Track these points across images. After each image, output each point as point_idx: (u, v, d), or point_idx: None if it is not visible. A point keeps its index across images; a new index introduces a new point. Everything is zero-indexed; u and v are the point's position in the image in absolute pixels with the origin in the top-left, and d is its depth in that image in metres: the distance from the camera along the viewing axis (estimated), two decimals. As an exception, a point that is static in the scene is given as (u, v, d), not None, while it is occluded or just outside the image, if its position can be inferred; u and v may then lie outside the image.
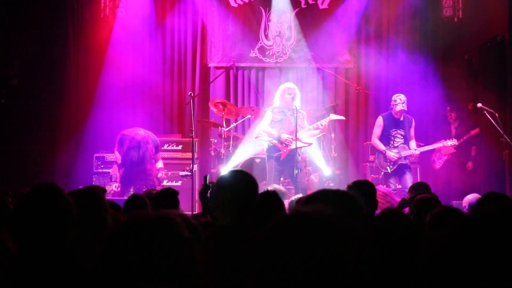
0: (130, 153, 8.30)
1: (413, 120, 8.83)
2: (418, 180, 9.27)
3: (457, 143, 8.81)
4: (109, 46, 10.23)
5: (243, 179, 2.89)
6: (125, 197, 8.30)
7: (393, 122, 8.64)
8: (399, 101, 8.65)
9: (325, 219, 1.32)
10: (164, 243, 1.47)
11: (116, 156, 8.51)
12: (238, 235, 2.66)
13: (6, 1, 8.94)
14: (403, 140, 8.64)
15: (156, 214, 1.55)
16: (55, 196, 2.21)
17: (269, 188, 4.94)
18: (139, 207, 4.62)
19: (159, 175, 8.50)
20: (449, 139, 8.77)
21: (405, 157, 8.53)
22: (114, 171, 8.58)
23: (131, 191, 8.34)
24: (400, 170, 8.55)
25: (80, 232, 2.29)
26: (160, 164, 8.64)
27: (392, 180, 8.56)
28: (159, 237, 1.47)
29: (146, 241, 1.46)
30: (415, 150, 8.56)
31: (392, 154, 8.53)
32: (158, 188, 8.21)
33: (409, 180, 8.37)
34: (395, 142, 8.63)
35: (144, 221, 1.51)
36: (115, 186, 8.41)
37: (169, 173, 8.70)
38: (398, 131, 8.65)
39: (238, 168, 8.34)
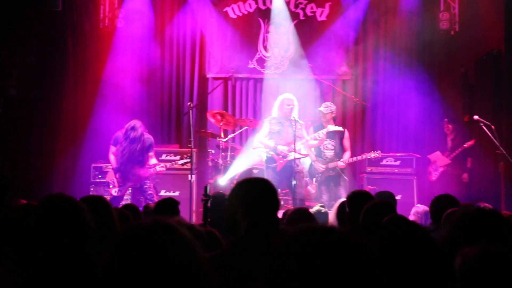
0: (126, 148, 8.27)
1: (345, 131, 8.85)
2: (415, 192, 9.35)
3: (380, 155, 8.83)
4: (108, 56, 10.27)
5: (269, 187, 2.81)
6: (123, 195, 8.38)
7: None
8: (323, 107, 8.67)
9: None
10: (171, 246, 1.48)
11: (111, 159, 8.46)
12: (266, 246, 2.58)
13: (6, 12, 8.96)
14: (333, 151, 8.63)
15: (160, 219, 1.55)
16: (70, 204, 2.22)
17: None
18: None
19: (158, 168, 8.43)
20: (373, 151, 8.81)
21: (333, 169, 8.54)
22: (110, 177, 8.56)
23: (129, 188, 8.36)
24: (332, 180, 8.57)
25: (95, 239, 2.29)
26: (154, 161, 8.56)
27: (323, 189, 8.58)
28: (166, 241, 1.48)
29: (153, 245, 1.47)
30: (341, 161, 8.57)
31: (320, 166, 8.56)
32: (156, 198, 8.22)
33: (343, 190, 8.36)
34: (325, 153, 8.64)
35: (149, 226, 1.52)
36: (115, 191, 8.39)
37: (168, 164, 8.65)
38: (329, 141, 8.62)
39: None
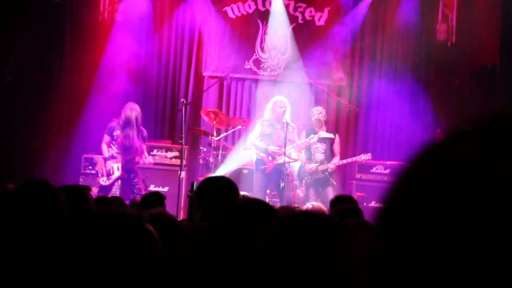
0: (125, 131, 8.28)
1: (336, 136, 8.88)
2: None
3: (369, 157, 8.85)
4: (105, 49, 10.30)
5: (224, 184, 2.94)
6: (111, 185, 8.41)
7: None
8: (316, 112, 8.72)
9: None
10: (127, 239, 1.50)
11: (103, 148, 8.46)
12: (214, 238, 2.71)
13: (5, 1, 8.99)
14: (324, 155, 8.66)
15: (125, 210, 1.57)
16: (46, 190, 2.26)
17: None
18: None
19: (147, 161, 8.46)
20: (363, 154, 8.86)
21: (322, 171, 8.58)
22: (100, 166, 8.59)
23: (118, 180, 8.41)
24: (320, 184, 8.60)
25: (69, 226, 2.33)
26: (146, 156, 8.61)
27: (311, 192, 8.61)
28: (122, 232, 1.50)
29: (108, 235, 1.48)
30: (331, 163, 8.61)
31: (310, 166, 8.59)
32: (144, 192, 8.24)
33: (331, 194, 8.35)
34: (315, 156, 8.67)
35: (110, 216, 1.54)
36: (103, 180, 8.42)
37: (157, 156, 8.68)
38: (320, 144, 8.65)
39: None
